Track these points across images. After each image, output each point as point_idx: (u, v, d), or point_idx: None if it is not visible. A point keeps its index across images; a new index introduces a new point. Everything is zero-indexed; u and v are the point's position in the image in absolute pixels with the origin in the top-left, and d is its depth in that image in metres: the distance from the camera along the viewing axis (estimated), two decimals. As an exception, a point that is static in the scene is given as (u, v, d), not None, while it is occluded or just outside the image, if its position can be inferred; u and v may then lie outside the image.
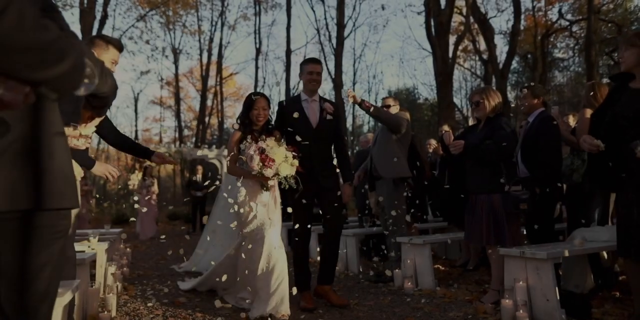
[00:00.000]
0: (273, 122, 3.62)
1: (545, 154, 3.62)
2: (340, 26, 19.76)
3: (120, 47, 2.80)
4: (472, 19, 17.40)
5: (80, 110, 2.62)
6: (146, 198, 9.65)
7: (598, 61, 18.35)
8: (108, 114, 3.23)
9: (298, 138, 3.44)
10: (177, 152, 14.54)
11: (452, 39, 15.98)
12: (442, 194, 5.53)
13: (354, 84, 27.28)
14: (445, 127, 6.06)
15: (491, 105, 3.54)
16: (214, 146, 16.15)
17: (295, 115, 3.56)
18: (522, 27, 18.99)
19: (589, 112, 3.43)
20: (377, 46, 50.13)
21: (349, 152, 12.88)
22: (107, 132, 3.11)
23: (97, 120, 1.81)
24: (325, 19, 23.44)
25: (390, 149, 4.45)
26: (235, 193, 3.36)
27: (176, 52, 25.61)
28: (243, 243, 3.36)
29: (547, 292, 3.00)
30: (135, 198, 9.79)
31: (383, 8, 28.96)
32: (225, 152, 14.39)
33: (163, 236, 4.03)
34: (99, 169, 2.85)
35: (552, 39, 21.71)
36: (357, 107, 3.95)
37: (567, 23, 20.53)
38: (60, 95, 1.06)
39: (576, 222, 3.89)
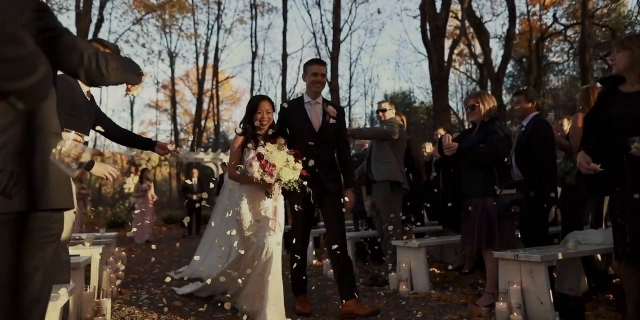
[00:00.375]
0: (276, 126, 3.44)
1: (539, 157, 3.64)
2: (337, 30, 19.83)
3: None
4: (467, 23, 17.52)
5: (79, 115, 2.64)
6: (141, 203, 9.62)
7: (592, 65, 18.47)
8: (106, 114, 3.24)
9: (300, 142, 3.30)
10: (173, 155, 14.52)
11: (447, 43, 16.08)
12: (437, 198, 5.57)
13: (350, 87, 27.36)
14: (441, 131, 6.10)
15: (486, 109, 3.57)
16: (210, 150, 16.12)
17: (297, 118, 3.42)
18: (517, 32, 19.13)
19: (582, 117, 3.46)
20: (374, 50, 50.42)
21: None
22: (108, 128, 3.06)
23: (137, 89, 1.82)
24: (322, 22, 23.55)
25: (385, 153, 4.47)
26: (236, 198, 3.26)
27: (172, 56, 25.64)
28: (243, 251, 3.24)
29: (541, 295, 3.01)
30: (132, 201, 9.76)
31: (379, 12, 29.20)
32: (222, 156, 14.43)
33: (154, 246, 3.97)
34: (99, 169, 2.83)
35: (547, 43, 21.83)
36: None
37: (562, 27, 20.67)
38: (27, 106, 1.09)
39: (570, 225, 3.91)
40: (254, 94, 22.38)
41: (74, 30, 14.65)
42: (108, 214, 13.80)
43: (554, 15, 20.50)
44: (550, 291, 3.01)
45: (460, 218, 3.76)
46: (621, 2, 18.91)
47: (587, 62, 17.11)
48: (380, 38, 37.05)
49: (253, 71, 24.88)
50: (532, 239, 3.71)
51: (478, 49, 20.30)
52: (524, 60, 22.01)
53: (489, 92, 5.07)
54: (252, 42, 24.87)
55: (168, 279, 3.80)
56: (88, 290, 3.24)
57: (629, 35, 3.04)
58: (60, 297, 2.21)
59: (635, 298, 2.75)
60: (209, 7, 25.22)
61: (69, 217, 2.56)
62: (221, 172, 12.00)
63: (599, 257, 3.85)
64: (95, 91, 2.91)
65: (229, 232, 3.34)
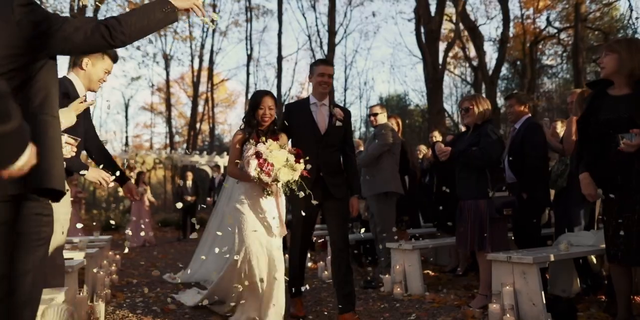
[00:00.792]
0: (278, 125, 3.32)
1: (531, 160, 3.68)
2: (332, 33, 19.89)
3: (115, 58, 2.87)
4: (461, 26, 17.59)
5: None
6: (137, 207, 9.59)
7: (585, 68, 18.63)
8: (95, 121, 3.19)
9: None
10: (167, 158, 14.49)
11: (442, 46, 16.13)
12: (431, 200, 5.60)
13: (345, 90, 27.39)
14: (436, 133, 6.13)
15: (480, 112, 3.59)
16: (204, 152, 16.11)
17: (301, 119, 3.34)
18: (511, 35, 19.23)
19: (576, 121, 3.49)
20: (368, 53, 50.38)
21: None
22: (90, 144, 2.95)
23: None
24: (317, 25, 23.47)
25: (378, 161, 4.51)
26: (235, 195, 3.15)
27: (167, 58, 25.58)
28: (242, 256, 3.05)
29: (533, 296, 3.03)
30: (127, 204, 9.72)
31: (374, 15, 29.03)
32: (216, 158, 14.41)
33: (148, 244, 3.95)
34: (92, 174, 2.82)
35: (540, 46, 21.98)
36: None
37: (555, 31, 20.82)
38: None
39: (563, 227, 3.94)
40: (249, 97, 22.35)
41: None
42: (102, 217, 13.73)
43: (547, 19, 20.65)
44: (543, 292, 3.03)
45: (453, 220, 3.79)
46: (613, 6, 19.09)
47: (580, 65, 17.26)
48: (375, 41, 37.22)
49: (248, 74, 24.89)
50: (525, 241, 3.74)
51: (472, 52, 20.40)
52: (518, 63, 22.13)
53: (483, 95, 5.12)
54: (247, 44, 24.89)
55: (156, 272, 3.72)
56: (81, 294, 3.23)
57: (618, 38, 3.08)
58: (54, 301, 2.20)
59: (626, 298, 2.78)
60: (204, 10, 25.20)
61: (61, 221, 2.55)
62: (213, 174, 11.97)
63: (594, 258, 3.88)
64: (90, 95, 2.89)
65: (219, 232, 3.22)
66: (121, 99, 36.61)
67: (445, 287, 4.33)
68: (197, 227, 4.04)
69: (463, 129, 4.17)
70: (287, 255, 3.57)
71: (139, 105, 35.11)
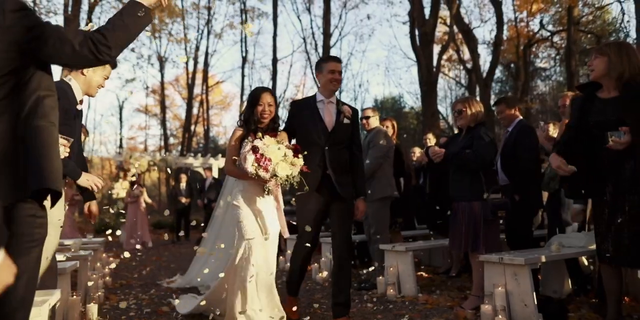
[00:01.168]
0: (283, 122, 3.27)
1: (524, 162, 3.71)
2: (327, 35, 19.95)
3: (115, 65, 2.90)
4: (456, 29, 17.69)
5: (70, 122, 2.65)
6: (132, 208, 9.55)
7: (578, 71, 18.76)
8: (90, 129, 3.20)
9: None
10: (162, 160, 14.44)
11: (436, 49, 16.24)
12: (425, 202, 5.62)
13: (340, 92, 27.47)
14: (430, 135, 6.15)
15: (472, 114, 3.62)
16: (199, 155, 16.06)
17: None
18: (504, 38, 19.35)
19: None
20: (363, 55, 50.31)
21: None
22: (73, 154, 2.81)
23: None
24: (312, 28, 23.49)
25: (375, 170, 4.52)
26: (233, 194, 3.10)
27: (162, 60, 25.52)
28: (241, 251, 3.00)
29: (524, 297, 3.06)
30: (120, 206, 9.68)
31: (369, 18, 29.10)
32: (211, 160, 14.38)
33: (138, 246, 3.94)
34: (84, 180, 2.83)
35: (534, 49, 22.10)
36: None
37: (548, 34, 20.99)
38: None
39: (554, 228, 3.98)
40: (244, 99, 22.37)
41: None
42: (95, 219, 13.64)
43: (541, 22, 20.79)
44: (534, 293, 3.06)
45: (447, 222, 3.81)
46: (605, 9, 19.25)
47: (573, 67, 17.41)
48: (369, 43, 37.09)
49: (243, 76, 24.87)
50: (517, 242, 3.77)
51: (466, 55, 20.47)
52: (512, 65, 22.26)
53: (478, 97, 5.15)
54: (242, 46, 24.90)
55: (167, 283, 3.67)
56: (74, 296, 3.22)
57: (607, 41, 3.12)
58: (47, 302, 2.20)
59: (616, 299, 2.81)
60: (199, 12, 25.15)
61: (55, 224, 2.55)
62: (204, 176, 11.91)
63: (584, 260, 3.91)
64: (85, 98, 2.92)
65: (222, 245, 3.20)
66: (115, 101, 36.40)
67: (439, 288, 4.35)
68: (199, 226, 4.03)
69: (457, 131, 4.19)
70: (281, 258, 3.56)
71: (134, 107, 35.03)
